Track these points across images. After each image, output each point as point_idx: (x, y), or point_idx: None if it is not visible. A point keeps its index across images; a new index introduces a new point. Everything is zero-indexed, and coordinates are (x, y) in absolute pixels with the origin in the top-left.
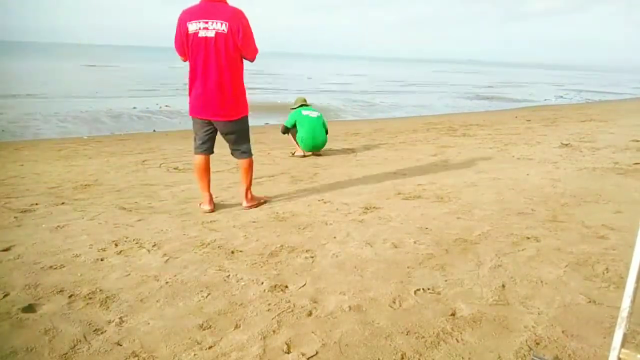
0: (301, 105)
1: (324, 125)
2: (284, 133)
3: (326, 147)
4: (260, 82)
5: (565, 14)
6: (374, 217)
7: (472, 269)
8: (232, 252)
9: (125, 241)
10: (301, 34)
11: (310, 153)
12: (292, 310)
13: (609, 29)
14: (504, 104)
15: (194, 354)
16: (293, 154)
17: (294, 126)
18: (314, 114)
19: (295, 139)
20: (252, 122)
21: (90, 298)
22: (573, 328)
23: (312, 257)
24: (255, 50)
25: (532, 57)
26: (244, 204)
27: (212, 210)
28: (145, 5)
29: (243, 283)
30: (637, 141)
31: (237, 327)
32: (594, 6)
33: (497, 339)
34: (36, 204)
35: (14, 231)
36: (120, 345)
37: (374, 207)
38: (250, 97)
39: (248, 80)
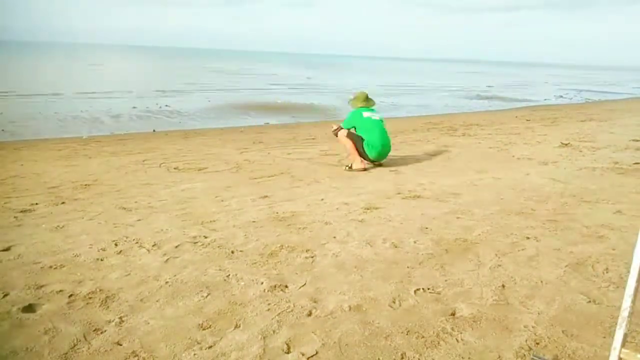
0: (362, 106)
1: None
2: (337, 135)
3: (326, 146)
4: (260, 81)
5: (566, 12)
6: (374, 217)
7: (472, 269)
8: (232, 252)
9: (125, 241)
10: (293, 33)
11: (371, 164)
12: (292, 310)
13: (609, 28)
14: (504, 104)
15: (194, 354)
16: (350, 167)
17: (353, 129)
18: (376, 116)
19: (356, 146)
20: (252, 121)
21: (90, 298)
22: (573, 328)
23: (312, 256)
24: None
25: (531, 57)
26: None
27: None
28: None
29: (243, 283)
30: (637, 141)
31: (237, 327)
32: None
33: (497, 338)
34: (36, 204)
35: (14, 231)
36: (120, 345)
37: (374, 207)
38: (251, 97)
39: (247, 80)
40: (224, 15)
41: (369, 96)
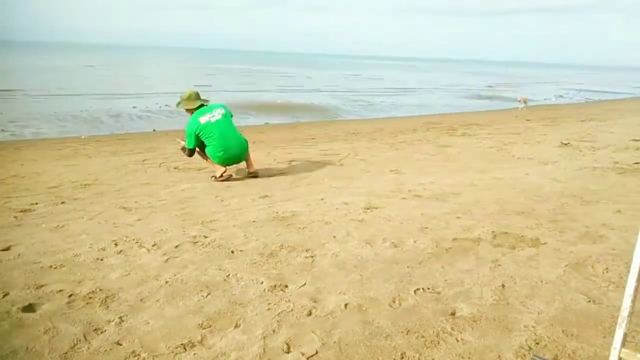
0: (198, 107)
1: (232, 122)
2: (190, 156)
3: (326, 146)
4: (260, 81)
5: (565, 12)
6: (374, 217)
7: (472, 269)
8: (232, 252)
9: (125, 241)
10: (297, 34)
11: (230, 168)
12: (292, 310)
13: (610, 28)
14: (504, 104)
15: (194, 354)
16: (215, 177)
17: (200, 142)
18: (216, 115)
19: (204, 155)
20: (252, 121)
21: (90, 298)
22: (573, 328)
23: (312, 256)
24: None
25: (531, 57)
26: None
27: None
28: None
29: (243, 283)
30: (637, 140)
31: (237, 326)
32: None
33: (497, 338)
34: (36, 204)
35: (13, 231)
36: (120, 345)
37: (373, 207)
38: (251, 97)
39: (248, 79)
40: (242, 19)
41: (199, 94)
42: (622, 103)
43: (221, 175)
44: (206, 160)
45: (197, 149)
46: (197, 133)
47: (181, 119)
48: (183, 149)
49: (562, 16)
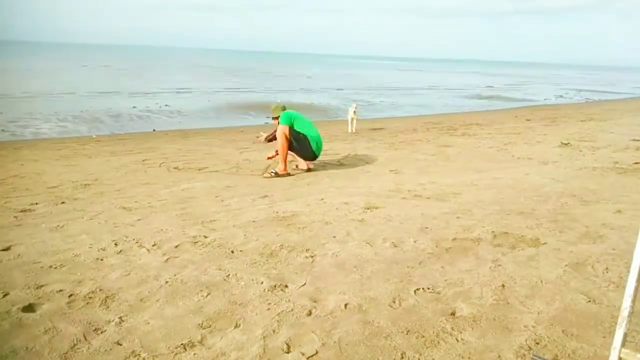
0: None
1: None
2: (279, 135)
3: (326, 146)
4: (260, 81)
5: (563, 12)
6: (374, 217)
7: (472, 269)
8: (232, 252)
9: (125, 241)
10: (303, 34)
11: (311, 165)
12: (292, 310)
13: (610, 28)
14: (504, 104)
15: (194, 354)
16: (276, 173)
17: (293, 128)
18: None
19: (291, 148)
20: (252, 121)
21: (90, 298)
22: (573, 328)
23: (312, 256)
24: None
25: (531, 57)
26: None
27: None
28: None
29: (243, 282)
30: (637, 140)
31: (237, 326)
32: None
33: (497, 338)
34: (36, 204)
35: (13, 231)
36: (120, 345)
37: (373, 207)
38: (251, 97)
39: (248, 79)
40: (243, 19)
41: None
42: (622, 103)
43: (307, 169)
44: (284, 150)
45: (289, 140)
46: (292, 119)
47: (181, 119)
48: (268, 136)
49: (563, 17)
